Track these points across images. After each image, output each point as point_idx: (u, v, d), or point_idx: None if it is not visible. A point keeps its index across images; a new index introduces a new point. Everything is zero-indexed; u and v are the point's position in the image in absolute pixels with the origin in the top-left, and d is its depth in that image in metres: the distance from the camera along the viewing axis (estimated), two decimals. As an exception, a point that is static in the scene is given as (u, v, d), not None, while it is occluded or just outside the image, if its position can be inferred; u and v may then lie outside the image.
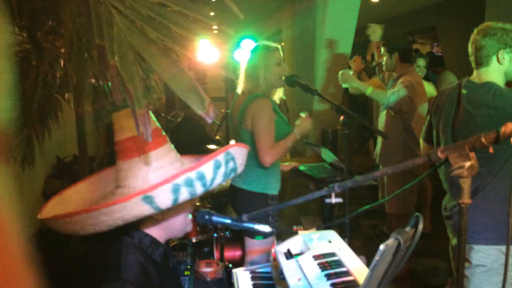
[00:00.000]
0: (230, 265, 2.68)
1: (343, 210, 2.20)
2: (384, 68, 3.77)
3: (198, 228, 3.03)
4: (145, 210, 1.17)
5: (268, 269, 2.11)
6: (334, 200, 1.51)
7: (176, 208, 1.36)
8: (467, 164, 0.97)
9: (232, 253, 3.02)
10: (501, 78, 2.10)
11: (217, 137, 5.39)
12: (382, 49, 3.71)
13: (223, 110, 5.39)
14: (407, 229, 1.10)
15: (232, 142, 3.15)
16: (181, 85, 1.33)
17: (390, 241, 1.05)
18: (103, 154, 4.84)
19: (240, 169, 1.40)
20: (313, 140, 6.01)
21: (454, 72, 5.71)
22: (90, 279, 1.32)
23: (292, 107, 7.05)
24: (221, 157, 1.28)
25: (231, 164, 1.31)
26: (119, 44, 1.19)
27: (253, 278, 2.03)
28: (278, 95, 2.71)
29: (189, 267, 2.61)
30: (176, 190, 1.18)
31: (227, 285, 2.51)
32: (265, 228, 1.55)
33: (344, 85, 3.88)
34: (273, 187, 2.65)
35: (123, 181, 1.36)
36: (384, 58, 3.68)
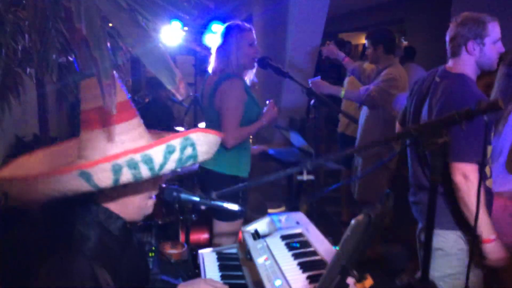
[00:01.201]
0: (196, 248, 2.66)
1: (312, 190, 2.20)
2: (369, 61, 3.79)
3: (163, 210, 2.98)
4: (81, 186, 1.12)
5: (234, 250, 2.10)
6: (306, 177, 1.50)
7: (132, 188, 1.32)
8: (440, 140, 0.98)
9: (198, 236, 2.99)
10: (473, 68, 2.11)
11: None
12: (366, 41, 3.70)
13: (191, 94, 5.31)
14: (378, 205, 1.11)
15: (202, 125, 3.09)
16: (151, 56, 1.28)
17: (361, 217, 1.05)
18: (65, 135, 4.69)
19: (203, 157, 1.28)
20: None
21: (421, 65, 5.82)
22: (42, 250, 1.28)
23: (261, 92, 7.02)
24: (176, 141, 1.18)
25: (188, 151, 1.21)
26: (86, 8, 1.13)
27: (219, 259, 2.02)
28: (250, 77, 2.68)
29: (153, 248, 2.57)
30: (117, 171, 1.12)
31: (192, 266, 2.48)
32: (234, 206, 1.53)
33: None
34: (243, 170, 2.64)
35: (83, 151, 1.31)
36: (369, 51, 3.68)
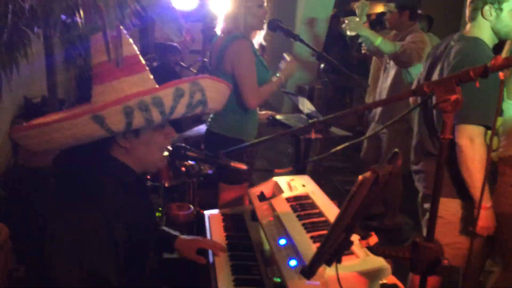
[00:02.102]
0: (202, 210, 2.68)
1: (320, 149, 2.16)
2: (388, 26, 3.63)
3: (170, 173, 2.99)
4: (95, 129, 1.15)
5: (240, 212, 2.11)
6: (314, 135, 1.49)
7: (144, 139, 1.33)
8: (453, 97, 0.95)
9: (204, 199, 3.01)
10: (490, 34, 2.03)
11: None
12: (389, 6, 3.50)
13: (199, 59, 5.27)
14: (386, 164, 1.10)
15: None
16: (158, 8, 1.26)
17: (368, 174, 1.04)
18: (73, 97, 4.69)
19: (212, 104, 1.31)
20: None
21: (435, 34, 5.70)
22: (56, 205, 1.29)
23: (268, 58, 6.93)
24: (185, 86, 1.21)
25: (198, 96, 1.25)
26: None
27: (224, 220, 2.03)
28: (258, 39, 2.63)
29: (160, 209, 2.60)
30: (128, 113, 1.14)
31: (198, 227, 2.51)
32: (241, 165, 1.53)
33: (349, 34, 3.48)
34: (250, 133, 2.63)
35: (95, 105, 1.30)
36: (390, 16, 3.50)
